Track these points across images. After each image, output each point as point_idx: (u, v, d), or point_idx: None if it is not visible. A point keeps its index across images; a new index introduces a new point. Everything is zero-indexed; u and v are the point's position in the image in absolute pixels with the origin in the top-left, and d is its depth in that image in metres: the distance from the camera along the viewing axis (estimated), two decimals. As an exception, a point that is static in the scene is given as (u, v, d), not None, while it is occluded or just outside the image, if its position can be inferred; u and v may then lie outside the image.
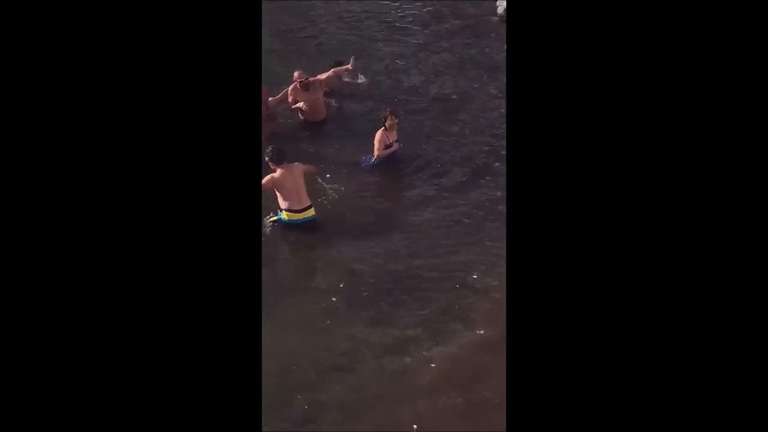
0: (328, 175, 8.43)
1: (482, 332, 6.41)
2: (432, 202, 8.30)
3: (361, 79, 10.44)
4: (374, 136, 8.66)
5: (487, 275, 7.10)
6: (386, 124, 8.54)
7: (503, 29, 12.01)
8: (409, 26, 12.41)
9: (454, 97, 10.34)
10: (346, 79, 10.31)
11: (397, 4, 13.09)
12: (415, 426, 5.58)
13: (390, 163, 8.77)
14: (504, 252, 7.22)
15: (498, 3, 12.41)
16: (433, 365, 6.09)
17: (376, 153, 8.65)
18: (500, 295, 6.75)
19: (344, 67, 10.10)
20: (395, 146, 8.69)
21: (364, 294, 6.93)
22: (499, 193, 8.18)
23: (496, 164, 8.74)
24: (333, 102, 10.09)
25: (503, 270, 7.04)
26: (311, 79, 9.56)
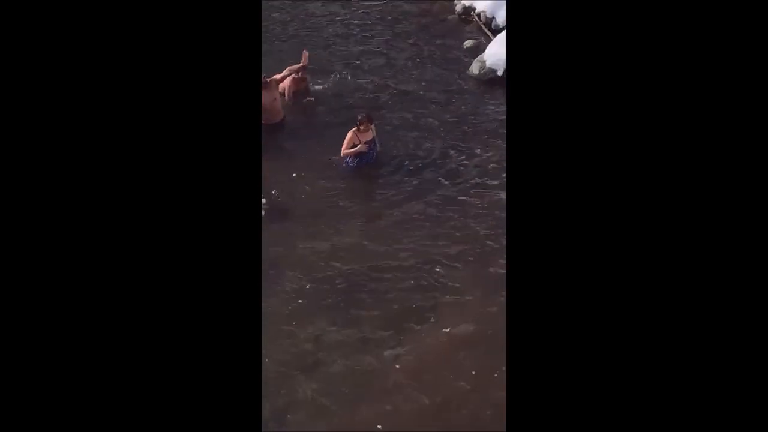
0: (294, 175, 8.39)
1: (448, 330, 6.42)
2: (396, 200, 8.28)
3: (319, 86, 10.39)
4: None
5: (452, 273, 7.11)
6: (360, 127, 8.64)
7: (462, 27, 12.10)
8: (370, 27, 12.39)
9: (421, 92, 10.35)
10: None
11: (355, 9, 13.05)
12: (379, 426, 5.58)
13: (363, 164, 8.79)
14: (470, 248, 7.48)
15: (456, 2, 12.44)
16: (398, 366, 6.08)
17: (342, 150, 8.69)
18: (467, 292, 6.80)
19: (299, 65, 9.97)
20: (363, 147, 8.69)
21: (329, 294, 6.89)
22: (463, 191, 8.23)
23: (464, 162, 8.79)
24: (306, 100, 10.04)
25: (469, 267, 7.14)
26: (267, 78, 9.32)
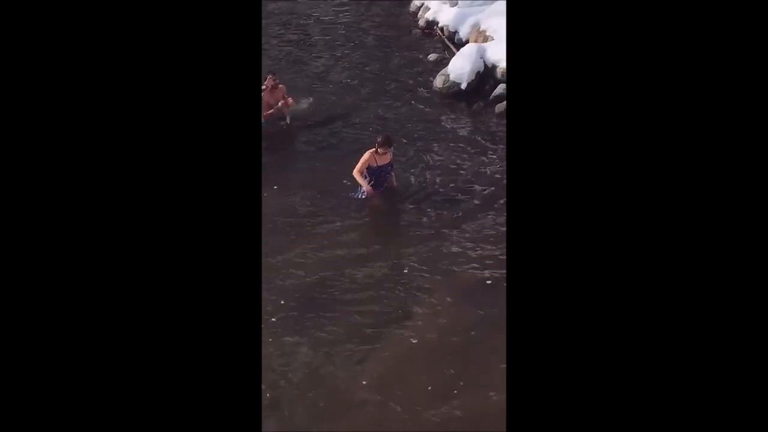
0: (265, 194, 8.17)
1: (415, 342, 6.23)
2: (362, 211, 8.08)
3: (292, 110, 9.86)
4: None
5: (421, 281, 6.94)
6: (378, 149, 7.91)
7: (425, 41, 12.07)
8: (333, 40, 12.30)
9: (386, 106, 10.22)
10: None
11: (318, 23, 12.96)
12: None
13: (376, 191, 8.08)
14: (433, 255, 7.36)
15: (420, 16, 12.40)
16: (364, 382, 5.85)
17: (355, 171, 7.99)
18: (433, 301, 6.62)
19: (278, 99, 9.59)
20: (368, 188, 7.94)
21: (295, 307, 6.64)
22: (432, 202, 8.07)
23: (430, 172, 8.63)
24: (283, 122, 9.65)
25: (438, 274, 6.98)
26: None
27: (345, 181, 8.26)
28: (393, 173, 8.23)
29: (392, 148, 8.09)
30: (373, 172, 8.05)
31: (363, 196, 8.05)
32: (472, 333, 6.21)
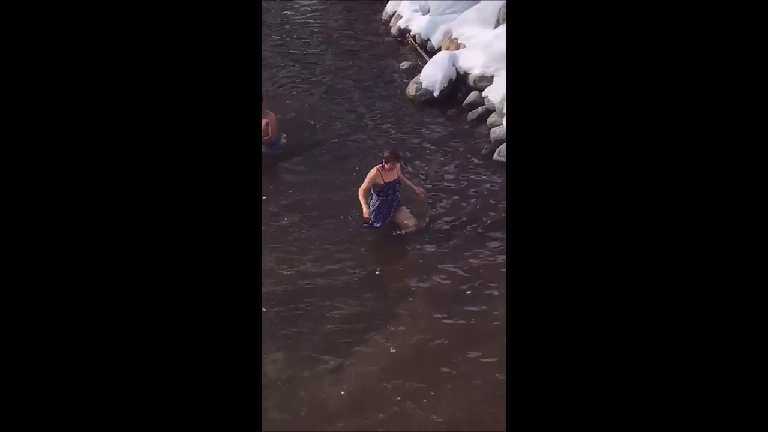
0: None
1: (394, 351, 6.17)
2: (339, 219, 8.05)
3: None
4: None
5: (399, 289, 6.89)
6: (384, 165, 7.32)
7: (397, 49, 12.04)
8: (305, 48, 12.23)
9: (359, 114, 10.17)
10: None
11: (290, 32, 12.87)
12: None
13: (387, 217, 7.53)
14: (413, 265, 7.31)
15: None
16: (342, 392, 5.78)
17: (361, 189, 7.32)
18: (413, 310, 6.57)
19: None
20: (366, 212, 7.32)
21: (272, 316, 6.55)
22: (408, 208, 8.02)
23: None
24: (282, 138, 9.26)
25: (413, 285, 6.92)
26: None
27: (348, 217, 7.86)
28: (398, 192, 7.56)
29: (400, 163, 7.56)
30: (380, 191, 7.43)
31: (377, 224, 7.49)
32: (447, 343, 6.16)
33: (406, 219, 7.60)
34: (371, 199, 7.47)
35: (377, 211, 7.47)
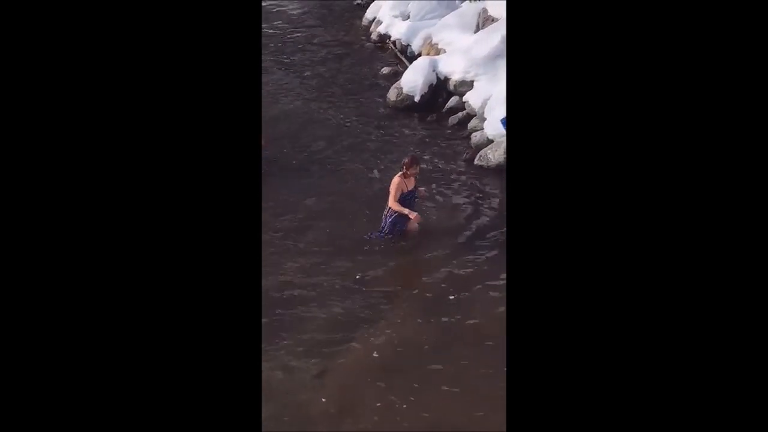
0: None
1: (376, 355, 6.12)
2: (321, 223, 7.95)
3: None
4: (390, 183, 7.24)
5: (379, 297, 6.84)
6: (407, 171, 7.10)
7: (378, 54, 12.03)
8: (289, 55, 12.18)
9: (341, 120, 10.13)
10: None
11: (271, 39, 12.82)
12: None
13: (401, 228, 7.33)
14: (395, 270, 7.25)
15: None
16: (323, 400, 5.72)
17: (391, 202, 7.11)
18: (396, 314, 6.53)
19: None
20: (413, 216, 7.13)
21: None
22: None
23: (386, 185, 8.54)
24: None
25: (396, 289, 6.88)
26: None
27: (356, 234, 7.85)
28: (419, 193, 7.39)
29: (418, 170, 7.31)
30: (402, 200, 7.18)
31: (388, 233, 7.32)
32: (428, 348, 6.12)
33: (414, 228, 7.41)
34: (389, 210, 7.25)
35: (395, 221, 7.26)
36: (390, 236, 7.32)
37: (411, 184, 7.19)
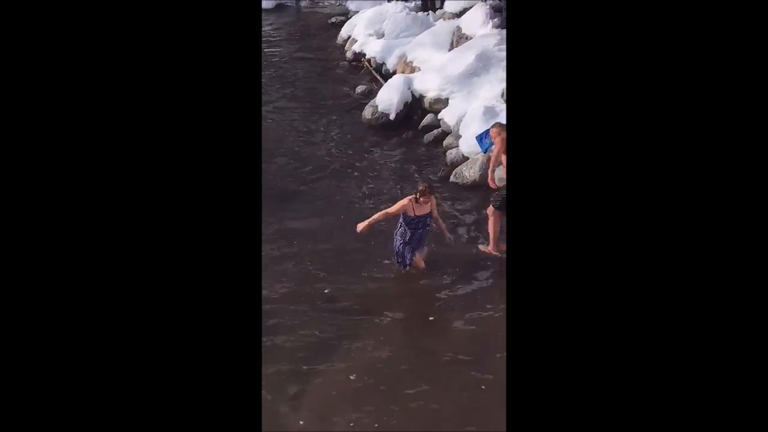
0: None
1: (353, 377, 6.02)
2: (301, 236, 7.88)
3: None
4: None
5: (355, 316, 6.75)
6: (419, 198, 6.92)
7: (353, 73, 12.01)
8: (264, 74, 12.14)
9: (316, 138, 10.07)
10: None
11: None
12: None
13: (416, 246, 7.10)
14: (374, 290, 7.18)
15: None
16: (302, 422, 5.61)
17: (381, 211, 7.07)
18: (372, 335, 6.44)
19: None
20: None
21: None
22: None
23: (365, 203, 8.49)
24: None
25: (372, 312, 6.80)
26: None
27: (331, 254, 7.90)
28: (428, 226, 7.15)
29: (433, 198, 7.10)
30: (409, 223, 7.02)
31: (407, 259, 7.08)
32: (405, 368, 6.03)
33: (422, 260, 7.21)
34: (399, 227, 7.11)
35: (405, 245, 7.09)
36: (408, 260, 7.11)
37: (422, 210, 6.99)
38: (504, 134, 7.27)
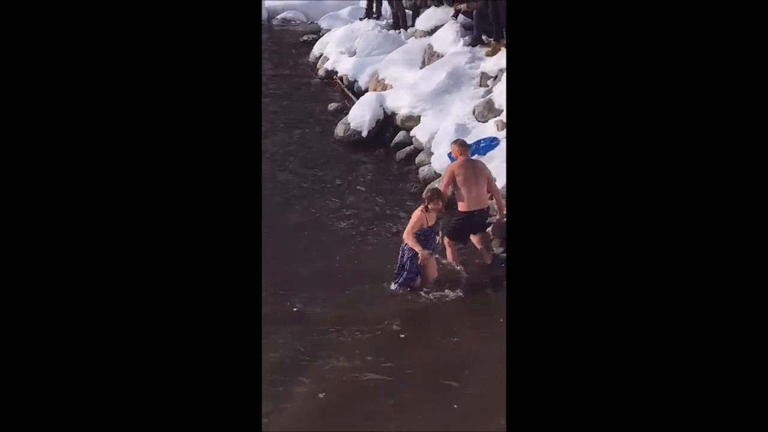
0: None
1: (322, 396, 5.93)
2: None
3: None
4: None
5: (328, 336, 6.66)
6: (428, 206, 6.66)
7: (325, 90, 12.00)
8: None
9: (288, 155, 10.01)
10: None
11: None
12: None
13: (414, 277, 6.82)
14: (350, 312, 7.11)
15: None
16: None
17: (405, 234, 6.67)
18: (342, 356, 6.37)
19: None
20: (425, 255, 6.61)
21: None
22: (355, 237, 7.90)
23: (343, 216, 8.48)
24: None
25: (345, 330, 6.72)
26: None
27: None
28: (438, 238, 6.87)
29: (441, 206, 6.75)
30: (422, 236, 6.71)
31: (408, 285, 6.78)
32: (372, 385, 5.96)
33: (434, 271, 6.88)
34: (405, 246, 6.75)
35: (413, 258, 6.71)
36: (414, 279, 6.80)
37: (432, 219, 6.73)
38: (462, 157, 7.05)
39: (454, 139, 8.05)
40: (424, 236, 6.75)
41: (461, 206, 6.95)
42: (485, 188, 7.01)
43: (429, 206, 6.65)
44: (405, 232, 6.74)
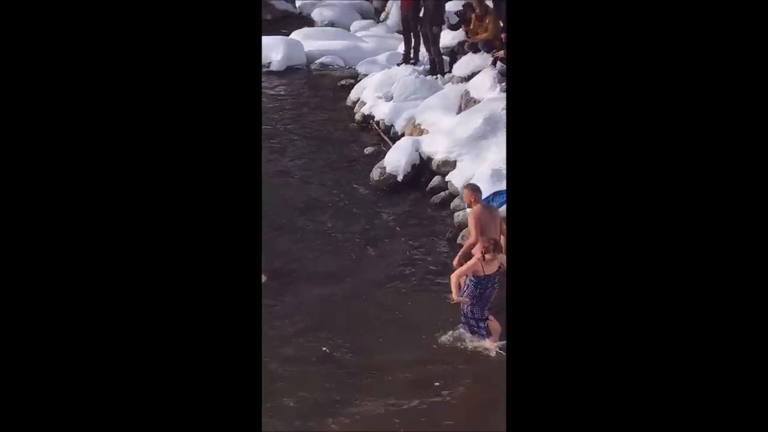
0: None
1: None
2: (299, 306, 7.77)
3: None
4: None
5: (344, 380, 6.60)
6: (485, 255, 6.45)
7: (361, 134, 12.09)
8: (277, 136, 12.21)
9: (325, 199, 10.07)
10: None
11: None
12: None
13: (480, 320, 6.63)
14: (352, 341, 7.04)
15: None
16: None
17: (454, 275, 6.56)
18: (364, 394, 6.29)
19: None
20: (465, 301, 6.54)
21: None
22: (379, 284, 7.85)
23: (371, 264, 8.47)
24: None
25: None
26: None
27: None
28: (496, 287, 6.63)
29: (503, 254, 6.48)
30: (478, 284, 6.54)
31: (480, 324, 6.61)
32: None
33: (496, 327, 6.67)
34: (465, 289, 6.61)
35: (473, 307, 6.63)
36: (482, 323, 6.65)
37: (490, 269, 6.46)
38: (478, 204, 6.96)
39: (492, 183, 8.00)
40: (481, 285, 6.59)
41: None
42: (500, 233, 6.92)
43: (486, 256, 6.42)
44: (454, 273, 6.61)
